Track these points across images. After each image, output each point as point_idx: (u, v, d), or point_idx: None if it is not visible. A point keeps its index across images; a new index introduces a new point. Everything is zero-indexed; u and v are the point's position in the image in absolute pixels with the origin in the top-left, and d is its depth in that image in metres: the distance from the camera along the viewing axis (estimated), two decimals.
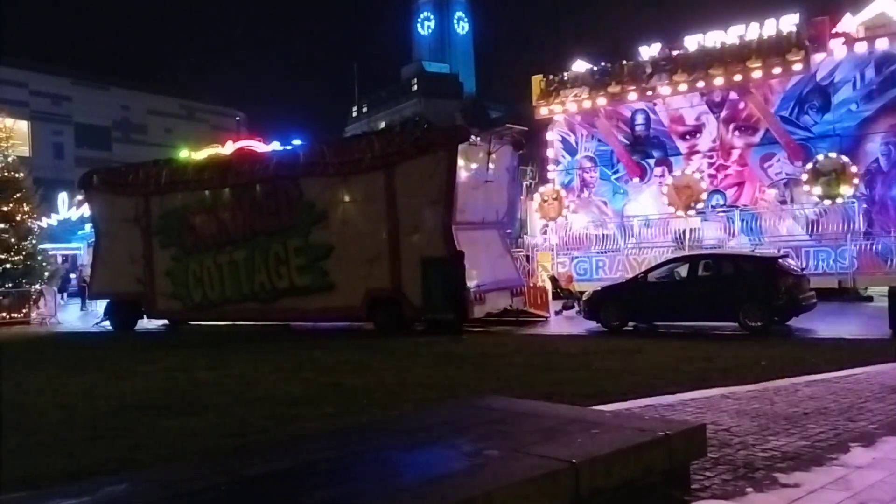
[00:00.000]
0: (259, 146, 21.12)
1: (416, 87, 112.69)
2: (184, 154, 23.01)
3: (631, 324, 15.25)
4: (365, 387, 8.85)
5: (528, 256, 25.62)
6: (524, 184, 28.03)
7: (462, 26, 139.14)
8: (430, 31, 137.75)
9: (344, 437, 4.30)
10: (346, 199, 17.28)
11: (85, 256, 37.15)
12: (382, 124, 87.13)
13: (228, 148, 21.85)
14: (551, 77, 26.91)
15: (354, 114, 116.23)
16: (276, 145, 21.84)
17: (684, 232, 23.56)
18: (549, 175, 28.30)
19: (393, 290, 16.35)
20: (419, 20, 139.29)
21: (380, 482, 3.21)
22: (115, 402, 8.16)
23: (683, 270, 15.14)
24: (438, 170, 15.92)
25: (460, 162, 16.04)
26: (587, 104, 26.13)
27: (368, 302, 16.58)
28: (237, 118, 69.86)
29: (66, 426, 6.94)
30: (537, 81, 27.10)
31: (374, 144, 17.21)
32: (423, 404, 7.43)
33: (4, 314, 24.09)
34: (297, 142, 21.62)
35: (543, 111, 26.98)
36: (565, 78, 26.69)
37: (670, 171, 25.57)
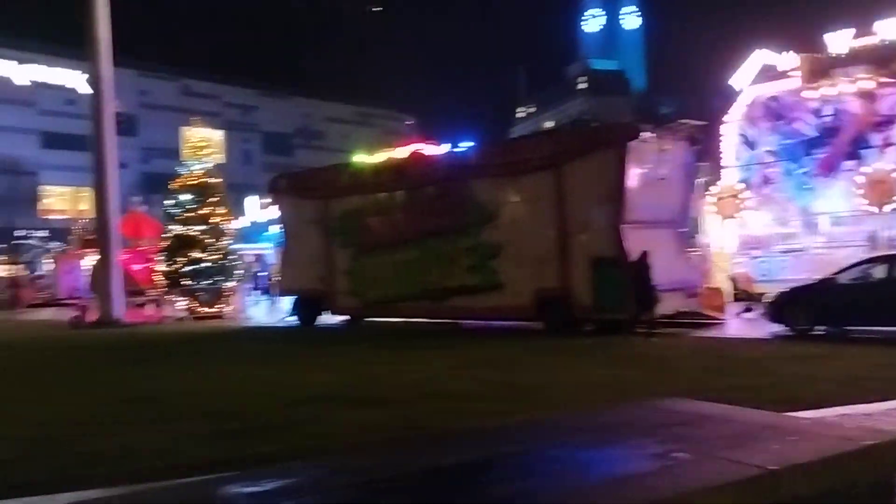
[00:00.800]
0: (430, 149, 21.69)
1: (582, 86, 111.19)
2: (359, 158, 24.05)
3: (820, 328, 14.30)
4: (538, 385, 8.88)
5: (703, 256, 24.63)
6: (700, 181, 26.92)
7: (631, 21, 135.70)
8: (597, 28, 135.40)
9: (524, 432, 4.34)
10: (515, 199, 17.38)
11: (272, 256, 39.75)
12: (550, 124, 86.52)
13: (401, 152, 22.59)
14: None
15: (521, 114, 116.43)
16: (446, 148, 22.35)
17: (879, 230, 21.75)
18: (727, 171, 27.01)
19: (562, 289, 16.26)
20: (584, 18, 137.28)
21: (563, 479, 3.22)
22: (304, 393, 8.68)
23: (880, 271, 14.01)
24: (608, 168, 15.66)
25: (631, 160, 15.68)
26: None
27: (537, 301, 16.58)
28: (408, 122, 72.09)
29: (261, 414, 7.47)
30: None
31: (543, 144, 17.18)
32: (599, 404, 7.36)
33: (202, 309, 26.22)
34: (466, 144, 22.03)
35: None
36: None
37: (862, 164, 23.67)
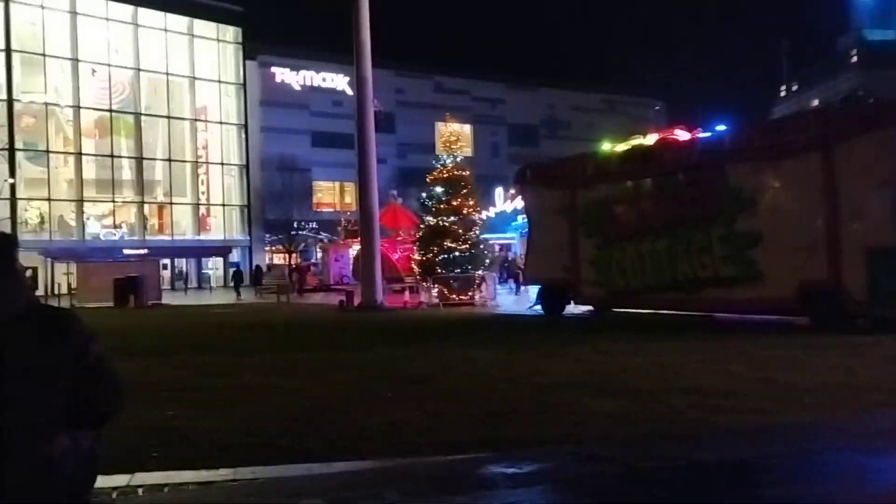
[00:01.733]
0: (681, 134, 20.87)
1: (854, 59, 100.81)
2: (606, 147, 23.74)
3: None
4: (802, 385, 8.25)
5: None
6: None
7: None
8: None
9: (790, 434, 4.07)
10: (777, 184, 16.22)
11: (518, 246, 40.50)
12: (816, 102, 79.66)
13: (650, 138, 21.97)
14: None
15: (783, 93, 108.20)
16: (698, 132, 21.37)
17: None
18: None
19: (831, 281, 14.93)
20: None
21: (837, 486, 2.99)
22: (552, 380, 8.79)
23: None
24: (888, 149, 14.10)
25: None
26: None
27: (802, 294, 15.37)
28: (656, 108, 69.83)
29: (513, 399, 7.68)
30: None
31: (810, 124, 15.85)
32: (872, 409, 6.69)
33: (453, 296, 27.41)
34: (721, 127, 20.90)
35: None
36: None
37: None
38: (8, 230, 38.20)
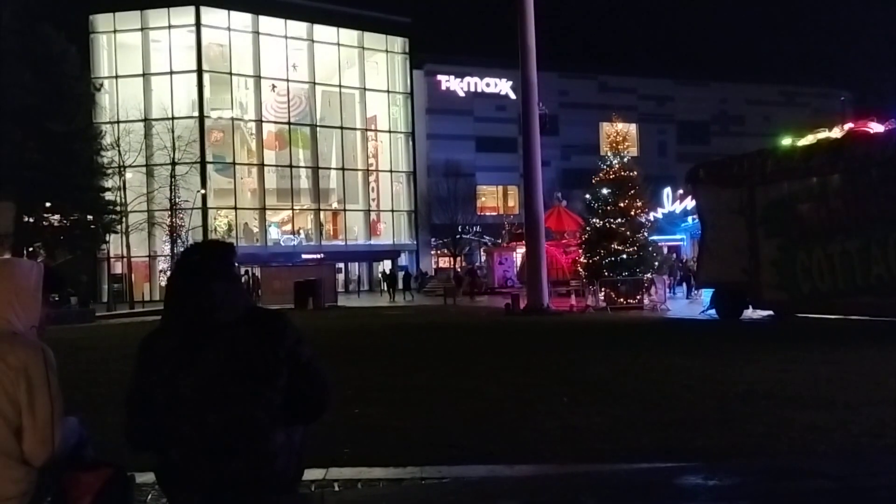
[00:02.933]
0: (875, 126, 19.31)
1: None
2: (787, 141, 22.40)
3: None
4: None
5: None
6: None
7: None
8: None
9: None
10: None
11: (688, 247, 39.03)
12: None
13: (838, 131, 20.49)
14: None
15: None
16: (894, 124, 19.69)
17: None
18: None
19: None
20: None
21: None
22: (736, 389, 8.38)
23: None
24: None
25: None
26: None
27: None
28: (842, 98, 64.94)
29: (696, 407, 7.39)
30: None
31: None
32: None
33: (621, 300, 26.83)
34: None
35: None
36: None
37: None
38: (200, 237, 41.10)
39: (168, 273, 50.62)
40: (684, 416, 6.86)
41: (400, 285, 45.44)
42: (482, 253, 61.14)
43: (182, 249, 3.21)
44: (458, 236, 63.16)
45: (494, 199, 73.30)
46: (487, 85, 71.07)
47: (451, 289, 38.65)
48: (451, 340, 15.85)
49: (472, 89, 70.91)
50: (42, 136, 42.23)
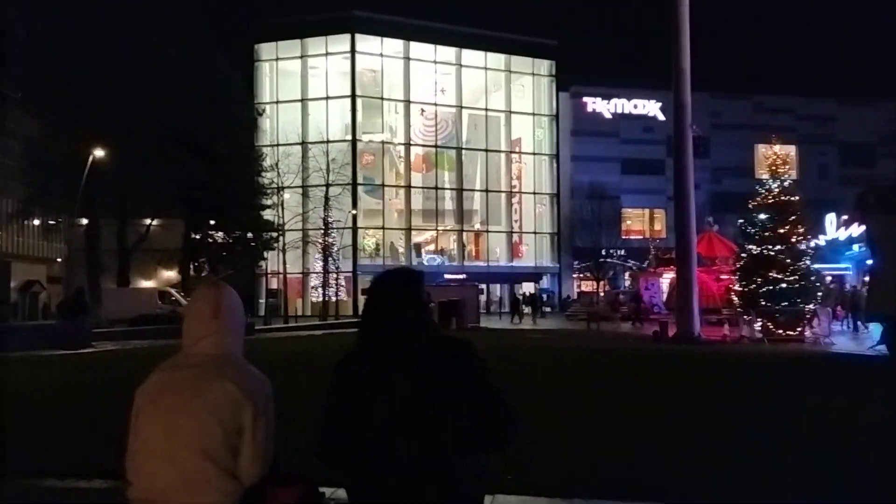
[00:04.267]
0: None
1: None
2: None
3: None
4: None
5: None
6: None
7: None
8: None
9: None
10: None
11: (854, 277, 36.48)
12: None
13: None
14: None
15: None
16: None
17: None
18: None
19: None
20: None
21: None
22: None
23: None
24: None
25: None
26: None
27: None
28: None
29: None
30: None
31: None
32: None
33: (779, 331, 25.37)
34: None
35: None
36: None
37: None
38: (350, 256, 42.64)
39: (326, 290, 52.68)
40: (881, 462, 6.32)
41: (526, 308, 45.12)
42: (627, 277, 59.77)
43: (373, 277, 3.28)
44: (601, 260, 62.09)
45: (640, 222, 71.59)
46: (635, 106, 69.81)
47: (595, 313, 37.93)
48: (606, 367, 15.46)
49: (619, 111, 69.85)
50: (209, 159, 45.20)
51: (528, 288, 61.27)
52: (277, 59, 60.93)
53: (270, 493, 2.93)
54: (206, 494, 2.78)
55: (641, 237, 67.11)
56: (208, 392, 2.78)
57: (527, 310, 44.81)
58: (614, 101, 69.68)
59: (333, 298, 52.84)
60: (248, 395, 2.78)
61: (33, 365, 16.00)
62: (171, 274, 53.87)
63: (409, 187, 61.68)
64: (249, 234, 50.38)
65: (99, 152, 38.30)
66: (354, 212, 56.83)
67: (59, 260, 57.16)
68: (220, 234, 50.14)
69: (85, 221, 42.76)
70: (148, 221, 48.47)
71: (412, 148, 62.05)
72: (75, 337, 21.21)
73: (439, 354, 2.93)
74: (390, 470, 2.79)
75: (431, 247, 63.34)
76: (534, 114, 66.10)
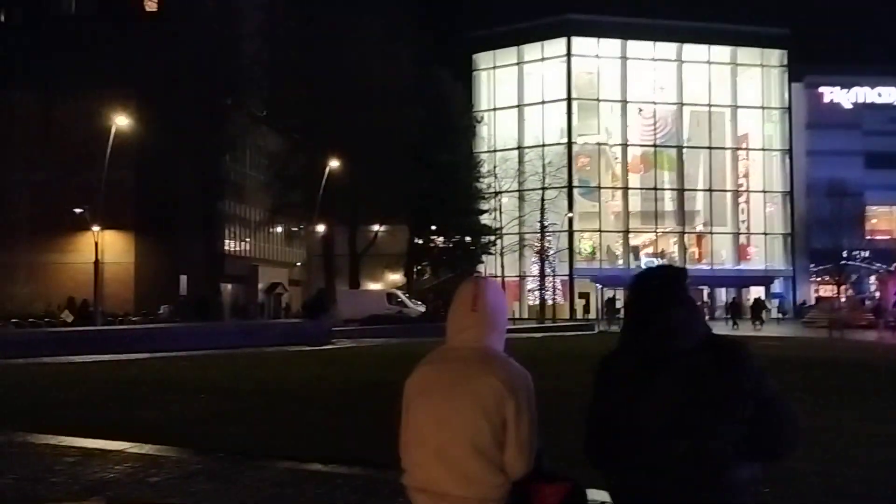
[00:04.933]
0: None
1: None
2: None
3: None
4: None
5: None
6: None
7: None
8: None
9: None
10: None
11: None
12: None
13: None
14: None
15: None
16: None
17: None
18: None
19: None
20: None
21: None
22: None
23: None
24: None
25: None
26: None
27: None
28: None
29: None
30: None
31: None
32: None
33: None
34: None
35: None
36: None
37: None
38: (566, 260, 42.53)
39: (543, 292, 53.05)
40: None
41: (747, 314, 42.23)
42: (873, 281, 54.41)
43: (636, 275, 3.21)
44: (842, 262, 56.92)
45: (888, 220, 64.84)
46: (879, 95, 63.51)
47: (838, 320, 34.82)
48: (868, 381, 14.06)
49: (861, 100, 63.81)
50: (431, 167, 47.09)
51: (757, 292, 57.60)
52: (494, 67, 62.16)
53: (536, 489, 2.96)
54: (474, 487, 2.86)
55: (889, 237, 60.87)
56: (474, 386, 2.86)
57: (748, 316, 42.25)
58: (855, 90, 63.76)
59: (550, 302, 52.86)
60: (511, 389, 2.82)
61: (285, 360, 17.47)
62: (396, 277, 56.62)
63: (626, 189, 60.39)
64: (468, 239, 51.81)
65: (333, 164, 41.23)
66: (570, 215, 56.56)
67: (298, 264, 62.08)
68: (441, 238, 52.03)
69: (321, 228, 46.11)
70: (376, 228, 51.30)
71: (629, 148, 60.69)
72: (317, 334, 22.89)
73: (709, 355, 2.81)
74: (659, 473, 2.72)
75: (650, 249, 61.47)
76: (763, 107, 62.14)
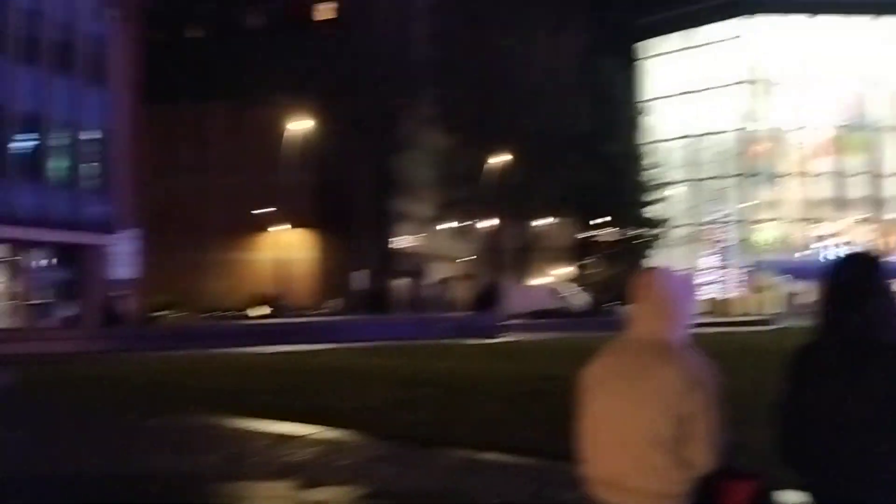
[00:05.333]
0: None
1: None
2: None
3: None
4: None
5: None
6: None
7: None
8: None
9: None
10: None
11: None
12: None
13: None
14: None
15: None
16: None
17: None
18: None
19: None
20: None
21: None
22: None
23: None
24: None
25: None
26: None
27: None
28: None
29: None
30: None
31: None
32: None
33: None
34: None
35: None
36: None
37: None
38: (743, 251, 40.52)
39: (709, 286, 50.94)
40: None
41: None
42: None
43: (831, 263, 3.06)
44: None
45: None
46: None
47: None
48: None
49: None
50: (596, 159, 46.33)
51: None
52: (661, 53, 60.12)
53: (721, 486, 2.89)
54: (656, 480, 2.81)
55: None
56: (654, 378, 2.81)
57: None
58: None
59: (725, 295, 50.50)
60: (694, 382, 2.76)
61: (457, 352, 17.84)
62: (564, 271, 56.14)
63: (809, 175, 56.51)
64: (637, 231, 50.52)
65: (501, 159, 41.54)
66: (748, 204, 53.71)
67: (467, 259, 63.11)
68: (609, 231, 51.08)
69: (489, 223, 46.55)
70: (543, 221, 51.12)
71: (813, 131, 56.73)
72: (487, 327, 23.17)
73: None
74: (860, 472, 2.59)
75: (837, 239, 57.21)
76: None
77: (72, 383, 11.18)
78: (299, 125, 33.99)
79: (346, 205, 46.16)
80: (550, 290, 43.99)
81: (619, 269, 47.88)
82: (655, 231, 50.84)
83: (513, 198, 46.44)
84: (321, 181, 46.34)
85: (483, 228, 47.98)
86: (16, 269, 28.26)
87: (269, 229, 41.93)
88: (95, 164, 30.92)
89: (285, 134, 34.15)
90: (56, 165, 29.67)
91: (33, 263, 29.11)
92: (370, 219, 46.83)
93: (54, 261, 30.09)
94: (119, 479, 5.60)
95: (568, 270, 55.29)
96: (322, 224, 47.13)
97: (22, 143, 28.16)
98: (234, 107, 46.53)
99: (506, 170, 42.41)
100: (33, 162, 28.54)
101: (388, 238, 47.92)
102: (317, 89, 41.67)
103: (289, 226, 37.70)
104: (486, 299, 24.85)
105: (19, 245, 27.92)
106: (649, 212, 51.00)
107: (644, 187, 50.98)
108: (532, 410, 8.39)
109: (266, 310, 37.48)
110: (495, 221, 46.68)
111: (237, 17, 53.08)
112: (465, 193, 46.77)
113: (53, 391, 10.02)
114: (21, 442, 7.04)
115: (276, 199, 36.85)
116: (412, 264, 54.06)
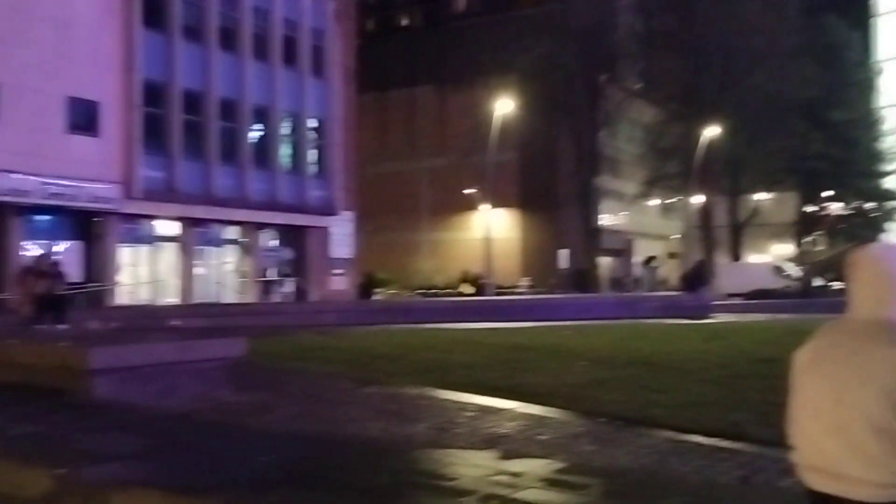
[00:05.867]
0: None
1: None
2: None
3: None
4: None
5: None
6: None
7: None
8: None
9: None
10: None
11: None
12: None
13: None
14: None
15: None
16: None
17: None
18: None
19: None
20: None
21: None
22: None
23: None
24: None
25: None
26: None
27: None
28: None
29: None
30: None
31: None
32: None
33: None
34: None
35: None
36: None
37: None
38: None
39: None
40: None
41: None
42: None
43: None
44: None
45: None
46: None
47: None
48: None
49: None
50: (823, 127, 42.81)
51: None
52: None
53: None
54: (875, 470, 2.63)
55: None
56: (872, 360, 2.62)
57: None
58: None
59: None
60: None
61: (663, 332, 17.37)
62: (784, 248, 52.65)
63: None
64: (870, 205, 46.27)
65: (713, 131, 39.54)
66: None
67: (675, 236, 60.88)
68: (837, 205, 47.21)
69: (699, 199, 44.64)
70: (759, 196, 48.23)
71: None
72: (696, 307, 22.32)
73: None
74: None
75: None
76: None
77: (296, 354, 12.15)
78: (503, 105, 34.41)
79: (551, 183, 46.16)
80: (771, 269, 41.50)
81: (849, 247, 44.07)
82: (892, 205, 46.28)
83: (726, 171, 44.20)
84: (525, 160, 46.67)
85: (693, 204, 46.07)
86: (246, 249, 31.19)
87: (477, 209, 42.91)
88: (316, 151, 33.29)
89: (490, 115, 34.73)
90: (282, 153, 32.24)
91: (261, 244, 31.96)
92: (574, 197, 46.52)
93: (279, 241, 32.86)
94: (338, 440, 6.04)
95: (788, 248, 51.74)
96: (527, 203, 47.52)
97: (252, 134, 30.92)
98: (441, 91, 47.96)
99: (719, 142, 40.33)
100: (262, 150, 31.22)
101: (593, 216, 47.36)
102: (520, 69, 41.85)
103: (494, 205, 38.34)
104: (696, 278, 23.88)
105: (249, 227, 30.80)
106: (884, 183, 46.45)
107: (879, 156, 46.48)
108: (742, 394, 8.03)
109: (472, 288, 38.93)
110: (706, 196, 44.63)
111: (443, 3, 54.56)
112: (673, 168, 45.12)
113: (279, 361, 10.92)
114: (251, 404, 7.78)
115: (481, 180, 37.64)
116: (618, 242, 53.08)
